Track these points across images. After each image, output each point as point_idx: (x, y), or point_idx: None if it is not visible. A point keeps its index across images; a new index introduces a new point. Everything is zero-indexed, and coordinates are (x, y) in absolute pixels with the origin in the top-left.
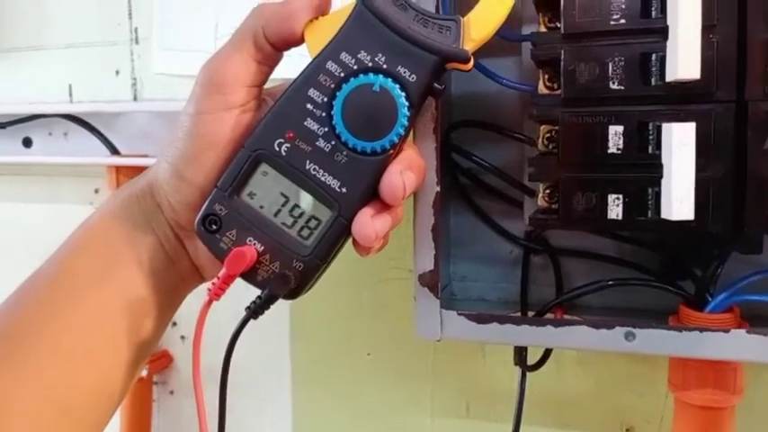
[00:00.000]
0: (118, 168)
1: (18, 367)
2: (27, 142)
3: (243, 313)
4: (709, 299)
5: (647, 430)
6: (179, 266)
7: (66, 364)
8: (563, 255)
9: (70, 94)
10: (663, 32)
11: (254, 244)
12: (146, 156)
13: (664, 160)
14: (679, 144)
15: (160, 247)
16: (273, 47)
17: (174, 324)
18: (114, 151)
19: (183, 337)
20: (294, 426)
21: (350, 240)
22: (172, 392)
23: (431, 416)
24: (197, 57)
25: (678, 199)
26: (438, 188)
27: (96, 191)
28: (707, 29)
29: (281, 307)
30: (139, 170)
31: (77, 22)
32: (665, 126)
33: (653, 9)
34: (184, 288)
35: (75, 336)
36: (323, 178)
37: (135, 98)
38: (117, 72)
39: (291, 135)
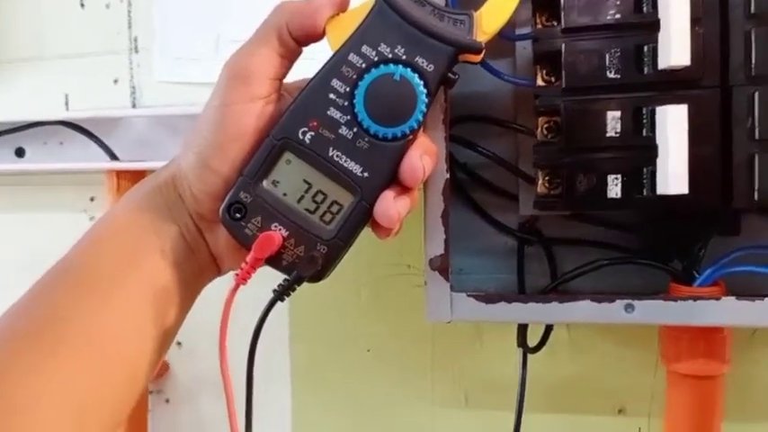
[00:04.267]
0: (119, 173)
1: (47, 356)
2: (20, 152)
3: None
4: (697, 275)
5: (638, 409)
6: (198, 257)
7: (94, 352)
8: (555, 243)
9: (66, 103)
10: (654, 26)
11: (279, 230)
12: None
13: (659, 140)
14: (673, 124)
15: (182, 237)
16: (296, 41)
17: None
18: (113, 157)
19: (179, 344)
20: (294, 427)
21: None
22: (168, 401)
23: (431, 408)
24: (200, 64)
25: (674, 174)
26: (447, 175)
27: (92, 199)
28: (693, 22)
29: (279, 308)
30: (140, 175)
31: (76, 33)
32: (660, 109)
33: (644, 5)
34: (202, 279)
35: (101, 325)
36: (345, 164)
37: (134, 106)
38: (115, 81)
39: (315, 124)
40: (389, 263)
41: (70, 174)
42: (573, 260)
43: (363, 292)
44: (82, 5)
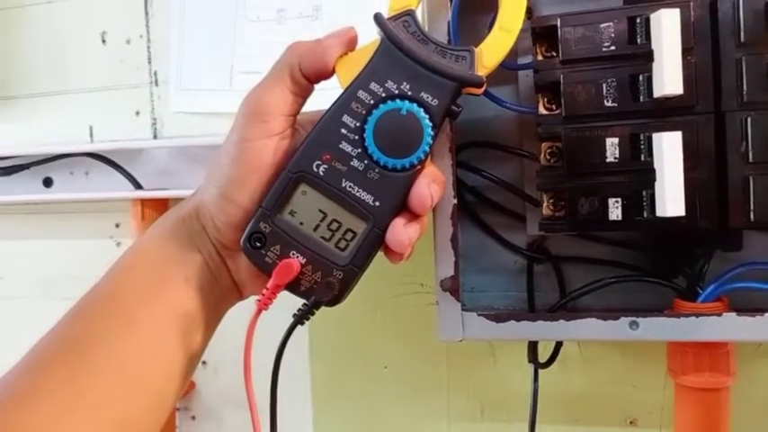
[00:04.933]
0: (143, 201)
1: (77, 381)
2: (48, 182)
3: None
4: (700, 291)
5: (649, 421)
6: (221, 283)
7: (122, 376)
8: (563, 262)
9: (91, 135)
10: (648, 56)
11: (297, 257)
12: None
13: (656, 165)
14: (669, 150)
15: (205, 265)
16: (308, 80)
17: None
18: (137, 185)
19: (204, 363)
20: None
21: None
22: (194, 418)
23: (447, 422)
24: (214, 95)
25: (671, 197)
26: (455, 201)
27: (117, 225)
28: (685, 51)
29: (299, 328)
30: (163, 202)
31: (98, 68)
32: (656, 135)
33: (638, 36)
34: (225, 305)
35: (127, 350)
36: (358, 194)
37: (155, 137)
38: (137, 113)
39: (328, 157)
40: (403, 282)
41: (96, 202)
42: (581, 277)
43: (379, 311)
44: (103, 41)
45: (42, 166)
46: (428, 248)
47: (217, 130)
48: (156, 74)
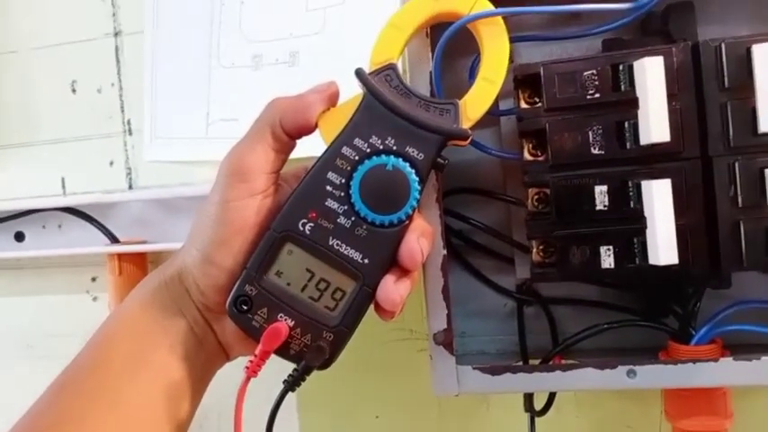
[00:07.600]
0: (120, 256)
1: None
2: (19, 236)
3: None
4: (693, 332)
5: None
6: (207, 347)
7: None
8: (554, 303)
9: (63, 187)
10: (633, 103)
11: (285, 320)
12: (145, 242)
13: (646, 213)
14: (659, 198)
15: (190, 329)
16: (289, 136)
17: None
18: (113, 238)
19: None
20: None
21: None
22: None
23: None
24: (189, 144)
25: (663, 246)
26: (444, 251)
27: (93, 279)
28: (669, 97)
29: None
30: (141, 256)
31: (69, 118)
32: (645, 183)
33: (622, 83)
34: (211, 369)
35: (116, 423)
36: (345, 252)
37: (130, 187)
38: (111, 163)
39: (314, 215)
40: (393, 329)
41: (71, 256)
42: (572, 318)
43: (369, 358)
44: (74, 91)
45: (13, 221)
46: (416, 295)
47: (194, 179)
48: (129, 122)
